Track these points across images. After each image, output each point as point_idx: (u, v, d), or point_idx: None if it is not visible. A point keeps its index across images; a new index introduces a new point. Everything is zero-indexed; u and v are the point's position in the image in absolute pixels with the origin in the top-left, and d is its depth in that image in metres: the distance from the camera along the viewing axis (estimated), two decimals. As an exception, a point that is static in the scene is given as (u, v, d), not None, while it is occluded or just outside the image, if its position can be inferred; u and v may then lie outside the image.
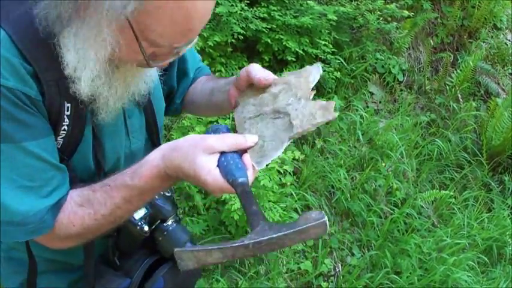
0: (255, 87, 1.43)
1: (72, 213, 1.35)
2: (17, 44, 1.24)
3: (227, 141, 1.25)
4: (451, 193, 4.29)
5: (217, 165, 1.22)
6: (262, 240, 1.14)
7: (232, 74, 3.81)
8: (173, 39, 1.21)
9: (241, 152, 1.28)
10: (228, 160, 1.22)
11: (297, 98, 1.36)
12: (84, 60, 1.26)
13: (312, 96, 1.36)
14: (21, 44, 1.25)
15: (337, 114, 1.33)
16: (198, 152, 1.22)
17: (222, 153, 1.24)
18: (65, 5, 1.20)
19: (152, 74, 1.45)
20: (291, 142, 1.38)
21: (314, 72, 1.41)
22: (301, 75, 1.41)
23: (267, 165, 1.26)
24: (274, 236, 1.15)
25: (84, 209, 1.36)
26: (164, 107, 1.70)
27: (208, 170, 1.21)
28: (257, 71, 1.42)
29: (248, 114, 1.41)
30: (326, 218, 1.18)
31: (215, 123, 3.46)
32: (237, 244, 1.14)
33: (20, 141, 1.28)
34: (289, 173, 3.71)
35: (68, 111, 1.35)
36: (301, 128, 1.31)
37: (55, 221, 1.34)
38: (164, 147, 1.30)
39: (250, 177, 1.25)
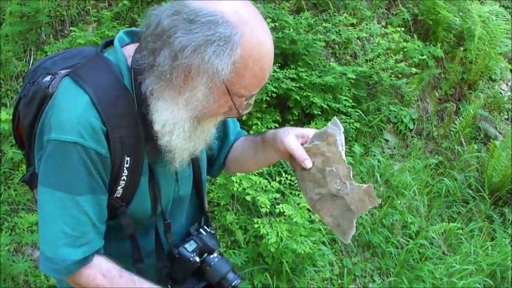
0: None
1: (93, 277, 1.40)
2: (96, 106, 1.29)
3: None
4: (459, 225, 4.27)
5: None
6: None
7: (267, 127, 3.82)
8: (252, 88, 1.32)
9: None
10: None
11: (341, 181, 1.43)
12: (175, 119, 1.31)
13: (344, 157, 1.42)
14: (99, 106, 1.29)
15: (379, 200, 1.40)
16: None
17: None
18: (174, 79, 1.27)
19: (213, 132, 1.47)
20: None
21: (337, 134, 1.41)
22: (328, 141, 1.41)
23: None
24: None
25: (104, 281, 1.40)
26: (206, 161, 1.71)
27: None
28: (293, 149, 1.42)
29: (313, 196, 1.49)
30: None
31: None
32: None
33: (76, 194, 1.32)
34: (318, 211, 3.72)
35: (127, 163, 1.37)
36: (357, 212, 1.44)
37: (77, 272, 1.39)
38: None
39: None
